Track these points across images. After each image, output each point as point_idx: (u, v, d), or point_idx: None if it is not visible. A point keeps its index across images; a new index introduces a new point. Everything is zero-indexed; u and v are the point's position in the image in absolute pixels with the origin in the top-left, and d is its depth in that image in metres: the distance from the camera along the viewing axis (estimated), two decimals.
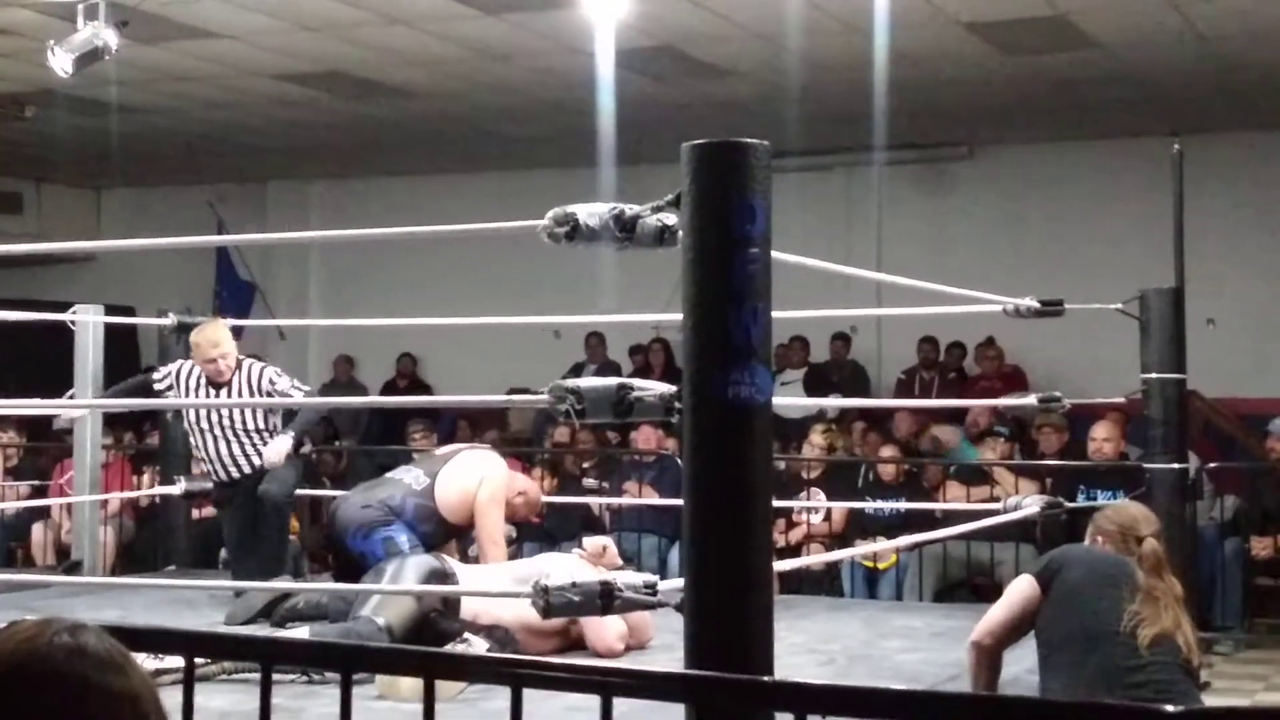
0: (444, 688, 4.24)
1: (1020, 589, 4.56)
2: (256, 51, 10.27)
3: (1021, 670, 4.88)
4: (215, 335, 6.94)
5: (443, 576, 5.66)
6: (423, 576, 5.62)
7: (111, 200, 16.61)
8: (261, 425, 7.03)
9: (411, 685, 4.46)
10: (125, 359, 11.88)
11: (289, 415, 7.13)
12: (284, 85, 11.27)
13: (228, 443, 7.00)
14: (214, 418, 7.00)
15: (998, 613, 4.59)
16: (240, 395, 6.91)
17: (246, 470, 7.03)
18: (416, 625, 5.41)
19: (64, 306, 7.89)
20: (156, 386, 7.08)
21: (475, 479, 6.56)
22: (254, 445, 7.01)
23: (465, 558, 6.68)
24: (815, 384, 12.84)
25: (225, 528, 7.34)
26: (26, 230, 15.15)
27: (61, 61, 8.33)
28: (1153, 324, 6.78)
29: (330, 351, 15.14)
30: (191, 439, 7.16)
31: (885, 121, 11.02)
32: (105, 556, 8.39)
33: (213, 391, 6.94)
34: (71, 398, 7.75)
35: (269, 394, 6.92)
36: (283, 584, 6.61)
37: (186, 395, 6.98)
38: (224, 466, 7.04)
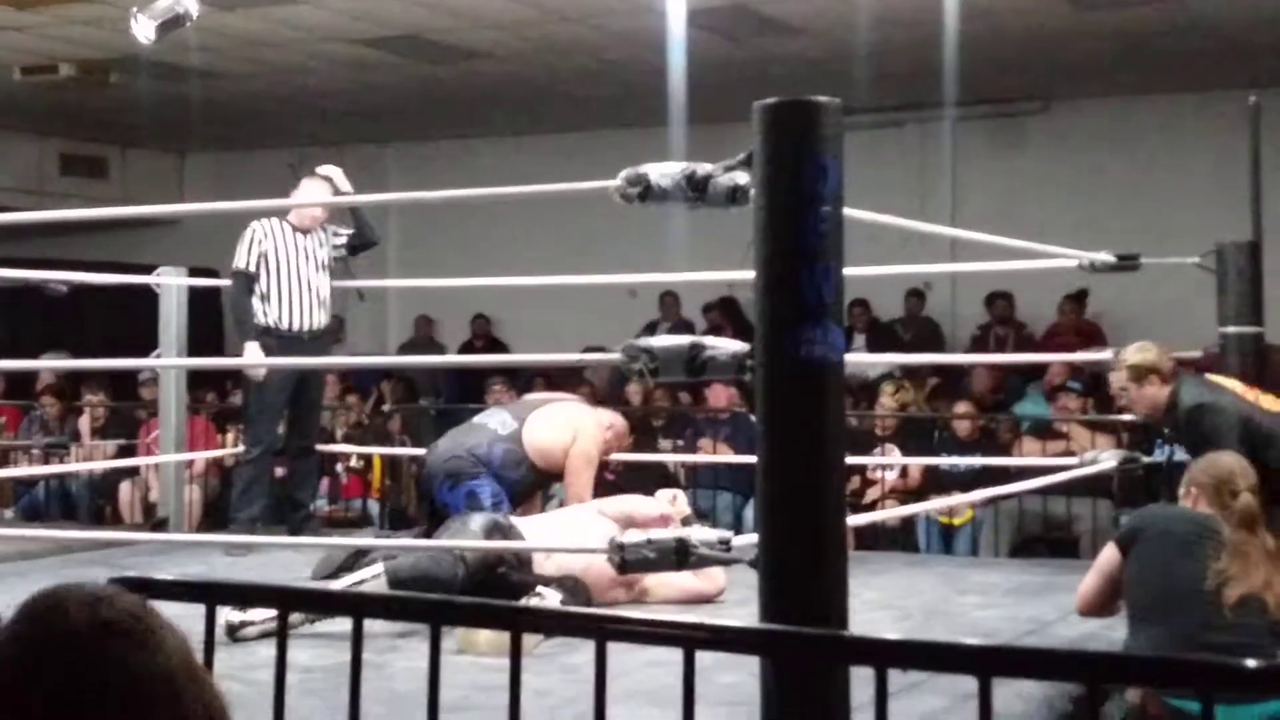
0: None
1: (1104, 555, 4.59)
2: (333, 16, 10.36)
3: (1099, 626, 4.89)
4: (329, 188, 7.40)
5: (505, 531, 5.66)
6: (487, 529, 5.63)
7: (194, 164, 16.83)
8: (331, 264, 7.54)
9: (490, 639, 4.53)
10: (208, 320, 12.06)
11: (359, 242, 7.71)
12: (360, 49, 11.36)
13: (313, 285, 7.35)
14: (303, 262, 7.33)
15: (1088, 581, 4.63)
16: (320, 241, 7.44)
17: (320, 320, 7.44)
18: (488, 571, 5.44)
19: (149, 269, 8.03)
20: (247, 267, 7.29)
21: (569, 432, 6.51)
22: (327, 287, 7.47)
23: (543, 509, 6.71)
24: (882, 342, 12.85)
25: (271, 398, 7.44)
26: (112, 194, 15.38)
27: (144, 29, 8.43)
28: (1229, 277, 6.74)
29: (409, 312, 15.30)
30: (273, 296, 7.30)
31: (958, 77, 10.96)
32: (191, 514, 8.54)
33: (300, 238, 7.33)
34: (158, 358, 7.91)
35: (335, 246, 7.57)
36: (362, 540, 6.70)
37: (279, 241, 7.29)
38: (305, 311, 7.33)
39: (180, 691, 1.45)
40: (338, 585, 5.32)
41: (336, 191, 7.41)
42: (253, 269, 7.26)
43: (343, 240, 7.60)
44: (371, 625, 4.01)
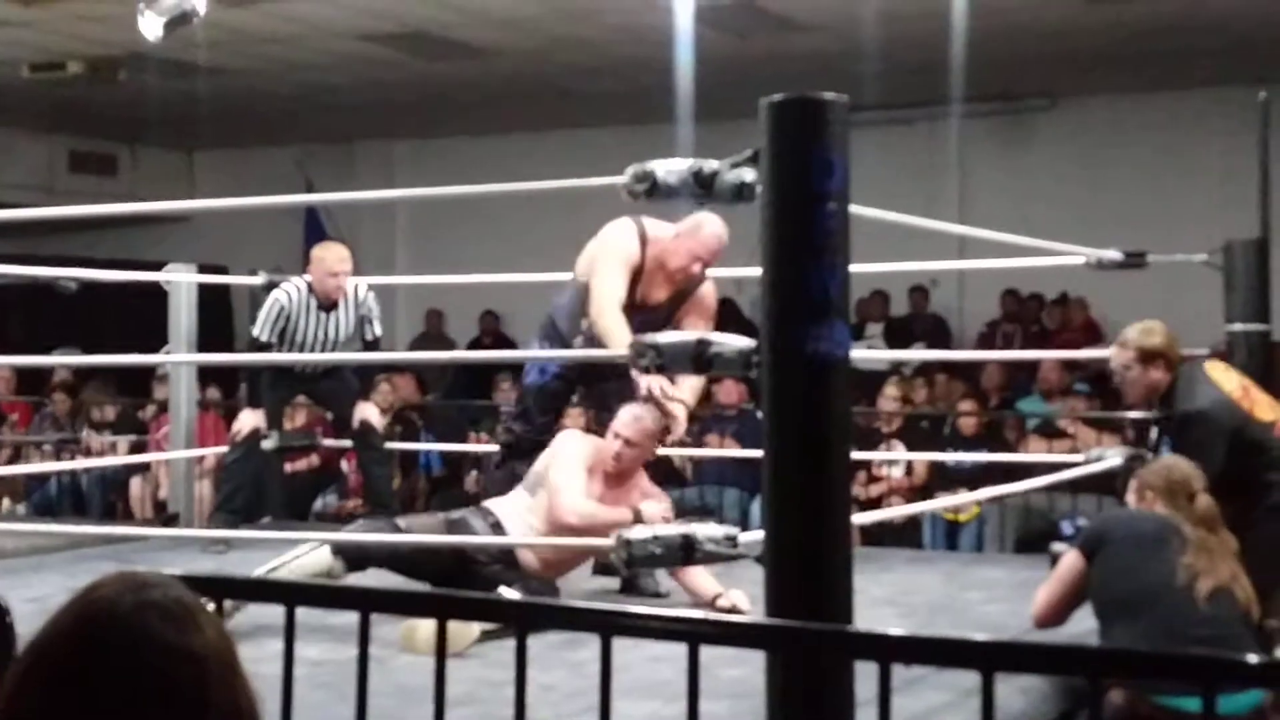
0: (459, 637, 4.39)
1: (1066, 562, 4.60)
2: (340, 12, 10.39)
3: (1080, 630, 4.88)
4: (345, 252, 7.19)
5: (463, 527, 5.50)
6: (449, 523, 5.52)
7: (203, 161, 16.88)
8: (355, 337, 7.26)
9: (429, 638, 4.46)
10: (218, 317, 12.10)
11: (367, 342, 7.29)
12: (368, 46, 11.39)
13: (327, 357, 7.19)
14: (321, 338, 7.15)
15: (1048, 591, 4.63)
16: (346, 312, 7.14)
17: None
18: (462, 563, 5.33)
19: (158, 266, 8.03)
20: (265, 339, 7.10)
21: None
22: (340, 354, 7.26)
23: None
24: (895, 338, 12.89)
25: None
26: (121, 192, 15.41)
27: (151, 25, 8.45)
28: (1237, 275, 6.74)
29: (417, 309, 15.37)
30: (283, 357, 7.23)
31: (966, 73, 10.98)
32: (201, 509, 8.57)
33: (323, 314, 7.10)
34: (167, 354, 7.93)
35: (369, 309, 7.19)
36: (351, 535, 6.73)
37: (301, 317, 7.08)
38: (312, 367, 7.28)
39: (209, 675, 1.55)
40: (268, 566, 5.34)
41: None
42: (273, 341, 7.09)
43: (372, 314, 7.29)
44: (378, 620, 4.05)
